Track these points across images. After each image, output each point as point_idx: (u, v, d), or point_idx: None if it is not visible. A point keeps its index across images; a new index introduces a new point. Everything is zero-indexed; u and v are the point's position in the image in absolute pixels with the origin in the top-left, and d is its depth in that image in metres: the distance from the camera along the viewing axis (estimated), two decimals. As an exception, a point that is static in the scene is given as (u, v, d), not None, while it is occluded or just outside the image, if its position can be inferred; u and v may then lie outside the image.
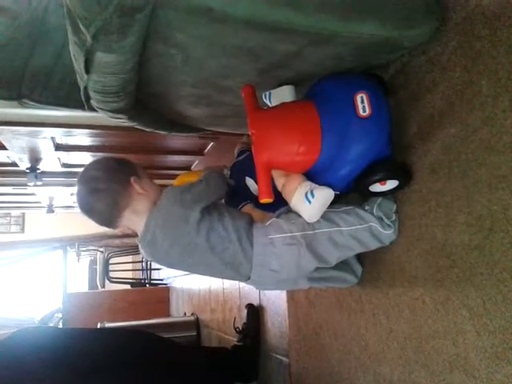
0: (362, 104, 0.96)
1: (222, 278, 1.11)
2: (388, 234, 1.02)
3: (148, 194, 1.04)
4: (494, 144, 0.80)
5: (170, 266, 1.09)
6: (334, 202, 1.03)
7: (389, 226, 1.01)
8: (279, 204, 1.07)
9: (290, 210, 1.05)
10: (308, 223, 1.01)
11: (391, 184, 1.01)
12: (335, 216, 1.02)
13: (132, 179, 1.03)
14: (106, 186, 1.02)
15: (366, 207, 1.04)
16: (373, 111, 0.96)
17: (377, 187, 1.02)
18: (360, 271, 1.16)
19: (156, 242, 1.02)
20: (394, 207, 1.04)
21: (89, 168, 1.07)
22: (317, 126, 0.98)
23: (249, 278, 1.05)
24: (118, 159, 1.09)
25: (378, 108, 0.97)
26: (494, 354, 0.79)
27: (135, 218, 1.04)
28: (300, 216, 1.02)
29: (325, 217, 1.01)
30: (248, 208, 1.16)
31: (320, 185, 0.99)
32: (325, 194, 0.97)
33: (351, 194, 1.11)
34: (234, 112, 1.29)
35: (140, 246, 1.07)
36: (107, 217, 1.05)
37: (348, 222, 1.01)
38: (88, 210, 1.04)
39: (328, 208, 1.00)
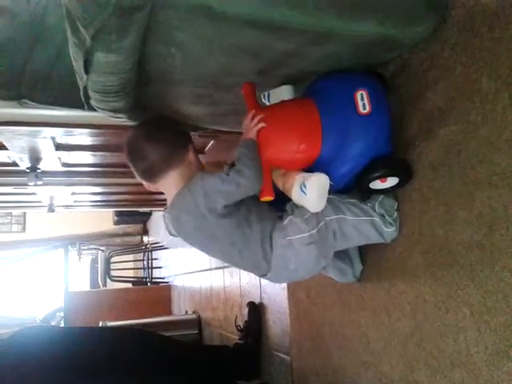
0: (362, 101, 0.96)
1: (239, 268, 1.12)
2: (389, 232, 1.02)
3: (193, 167, 1.05)
4: (495, 141, 0.80)
5: (192, 245, 1.10)
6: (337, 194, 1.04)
7: (390, 223, 1.02)
8: (283, 201, 1.06)
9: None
10: (318, 214, 1.00)
11: (391, 181, 1.01)
12: (341, 204, 1.02)
13: (190, 146, 1.05)
14: (168, 139, 1.02)
15: (368, 204, 1.04)
16: (373, 108, 0.96)
17: (377, 184, 1.02)
18: (359, 270, 1.16)
19: (180, 222, 1.03)
20: (395, 205, 1.04)
21: (153, 118, 1.08)
22: (317, 124, 0.98)
23: (265, 275, 1.06)
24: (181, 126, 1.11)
25: (378, 105, 0.97)
26: (495, 352, 0.79)
27: (171, 186, 1.03)
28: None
29: (331, 203, 1.01)
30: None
31: None
32: (316, 181, 0.96)
33: (352, 190, 1.11)
34: (234, 110, 1.28)
35: (164, 217, 1.08)
36: (154, 169, 1.03)
37: (352, 212, 1.02)
38: (139, 155, 1.03)
39: (333, 196, 1.01)
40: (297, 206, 1.05)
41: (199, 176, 1.00)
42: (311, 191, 0.96)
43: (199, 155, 1.12)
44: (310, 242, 1.01)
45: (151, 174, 1.04)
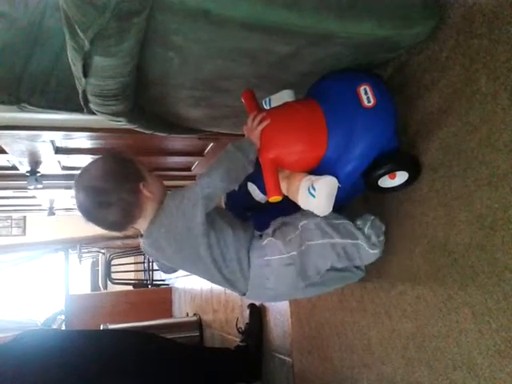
0: (366, 95, 0.95)
1: (222, 287, 1.09)
2: (373, 254, 0.99)
3: (155, 196, 0.99)
4: (494, 142, 0.80)
5: (173, 266, 1.10)
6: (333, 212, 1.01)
7: (374, 245, 0.99)
8: (287, 207, 1.06)
9: (284, 224, 1.05)
10: (303, 236, 0.99)
11: (401, 178, 1.00)
12: (329, 228, 0.98)
13: (141, 185, 0.97)
14: (118, 199, 0.95)
15: (358, 222, 1.01)
16: (377, 101, 0.95)
17: (387, 182, 1.00)
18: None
19: (159, 247, 1.01)
20: (383, 228, 1.02)
21: (92, 175, 0.97)
22: (322, 123, 0.97)
23: (244, 294, 1.06)
24: (120, 160, 1.01)
25: (382, 97, 0.95)
26: (497, 353, 0.79)
27: (144, 223, 1.01)
28: (295, 230, 1.00)
29: (319, 227, 0.99)
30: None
31: None
32: (326, 183, 0.95)
33: (345, 208, 1.10)
34: (233, 113, 1.28)
35: (142, 246, 1.05)
36: (120, 226, 1.00)
37: (341, 234, 0.98)
38: (99, 220, 0.98)
39: (321, 219, 0.99)
40: (280, 227, 1.04)
41: (169, 197, 0.97)
42: (320, 194, 0.94)
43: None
44: (290, 263, 1.00)
45: (120, 227, 1.01)
